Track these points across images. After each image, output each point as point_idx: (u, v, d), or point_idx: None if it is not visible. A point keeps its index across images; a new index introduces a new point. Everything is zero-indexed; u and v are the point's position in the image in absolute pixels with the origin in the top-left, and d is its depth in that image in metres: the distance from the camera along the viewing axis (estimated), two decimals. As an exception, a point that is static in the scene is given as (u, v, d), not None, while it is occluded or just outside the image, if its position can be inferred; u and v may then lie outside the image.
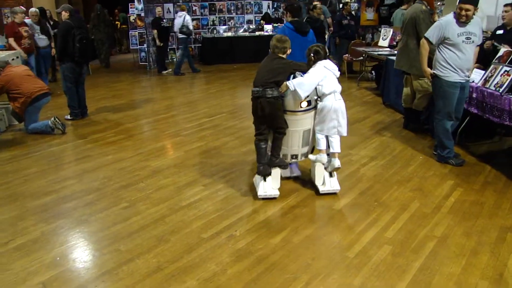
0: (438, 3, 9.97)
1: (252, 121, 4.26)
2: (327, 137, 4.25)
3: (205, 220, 3.83)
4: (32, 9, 9.45)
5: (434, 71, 4.91)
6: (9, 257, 3.37)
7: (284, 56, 4.15)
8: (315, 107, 4.17)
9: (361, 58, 10.08)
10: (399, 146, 5.67)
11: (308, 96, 4.02)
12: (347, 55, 10.56)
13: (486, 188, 4.43)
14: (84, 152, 5.76)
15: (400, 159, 5.24)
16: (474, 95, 5.12)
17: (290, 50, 4.20)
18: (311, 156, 4.37)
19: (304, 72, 4.13)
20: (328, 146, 4.27)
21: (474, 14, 4.65)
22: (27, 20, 9.09)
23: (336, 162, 4.26)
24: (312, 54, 4.16)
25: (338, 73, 4.23)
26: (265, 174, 4.21)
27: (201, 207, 4.09)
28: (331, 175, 4.34)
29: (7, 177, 4.96)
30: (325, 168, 4.35)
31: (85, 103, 7.58)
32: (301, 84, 3.93)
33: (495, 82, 4.88)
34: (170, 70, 12.32)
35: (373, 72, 9.63)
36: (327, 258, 3.26)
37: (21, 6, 11.48)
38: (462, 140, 5.60)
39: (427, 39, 4.90)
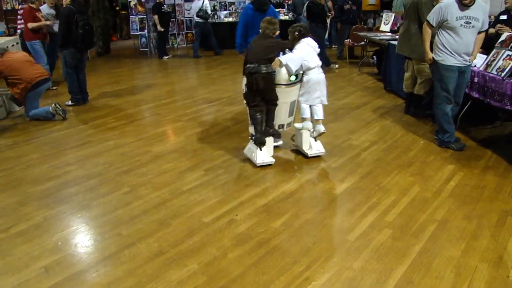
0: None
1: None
2: (310, 106, 4.77)
3: (206, 205, 3.85)
4: None
5: (433, 55, 4.89)
6: (11, 243, 3.39)
7: (274, 36, 4.56)
8: (300, 80, 4.66)
9: (363, 43, 10.03)
10: (400, 131, 5.67)
11: (296, 71, 4.50)
12: (348, 40, 10.50)
13: (487, 172, 4.43)
14: (86, 138, 5.77)
15: (401, 144, 5.24)
16: (475, 80, 5.10)
17: (279, 31, 4.62)
18: (297, 125, 4.88)
19: (290, 49, 4.64)
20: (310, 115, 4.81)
21: None
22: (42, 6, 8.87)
23: (322, 128, 4.79)
24: (296, 33, 4.65)
25: (318, 50, 4.72)
26: (261, 143, 4.58)
27: (202, 191, 4.10)
28: (315, 139, 4.85)
29: (8, 163, 4.98)
30: (311, 134, 4.83)
31: (86, 89, 7.57)
32: (291, 60, 4.44)
33: (497, 66, 4.86)
34: (171, 55, 12.28)
35: (374, 57, 9.59)
36: (327, 242, 3.27)
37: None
38: (463, 125, 5.59)
39: (428, 22, 4.88)
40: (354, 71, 9.65)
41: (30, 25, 7.97)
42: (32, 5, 8.10)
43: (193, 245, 3.26)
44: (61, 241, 3.40)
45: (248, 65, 4.42)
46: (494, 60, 4.98)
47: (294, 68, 4.45)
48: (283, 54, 4.58)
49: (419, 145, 5.19)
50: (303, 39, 4.64)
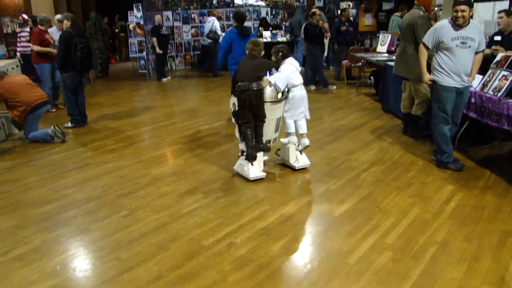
0: (436, 8, 10.02)
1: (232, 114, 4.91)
2: (295, 121, 5.13)
3: (206, 228, 3.83)
4: (58, 16, 9.16)
5: (432, 76, 4.94)
6: (9, 267, 3.36)
7: (259, 56, 4.91)
8: (286, 98, 4.95)
9: (360, 64, 10.11)
10: (399, 151, 5.68)
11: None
12: (345, 61, 10.59)
13: (486, 192, 4.43)
14: (84, 160, 5.77)
15: (399, 164, 5.25)
16: (472, 100, 5.14)
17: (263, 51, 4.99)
18: (283, 140, 5.17)
19: (276, 68, 4.98)
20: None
21: (469, 15, 4.66)
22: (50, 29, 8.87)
23: (307, 141, 5.12)
24: (280, 54, 5.06)
25: (300, 68, 5.14)
26: (253, 158, 4.80)
27: (201, 214, 4.09)
28: (301, 153, 5.15)
29: (7, 186, 4.97)
30: (297, 148, 5.12)
31: (85, 111, 7.60)
32: (279, 79, 4.78)
33: (493, 86, 4.90)
34: (169, 77, 12.35)
35: (372, 78, 9.66)
36: (327, 265, 3.26)
37: (22, 15, 11.55)
38: (461, 145, 5.61)
39: (424, 44, 4.94)
40: (352, 92, 9.72)
41: (36, 48, 8.04)
42: (41, 27, 8.17)
43: (193, 269, 3.24)
44: (59, 265, 3.37)
45: (239, 84, 4.67)
46: (490, 80, 5.03)
47: (282, 87, 4.78)
48: (270, 73, 4.90)
49: (417, 165, 5.20)
50: (286, 59, 5.06)
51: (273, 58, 5.10)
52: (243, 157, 4.91)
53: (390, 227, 3.78)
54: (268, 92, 4.78)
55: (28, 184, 5.03)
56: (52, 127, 6.52)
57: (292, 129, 5.12)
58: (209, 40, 12.31)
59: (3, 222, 4.10)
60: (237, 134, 5.00)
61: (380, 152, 5.69)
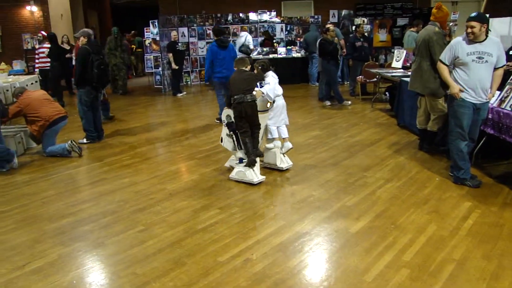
0: (451, 24, 10.00)
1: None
2: (277, 128, 5.67)
3: (221, 244, 3.83)
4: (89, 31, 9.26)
5: (448, 91, 4.91)
6: (26, 280, 3.39)
7: (247, 69, 5.31)
8: (271, 106, 5.50)
9: (375, 79, 10.10)
10: (415, 167, 5.64)
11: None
12: (360, 76, 10.60)
13: (505, 209, 4.37)
14: (100, 175, 5.82)
15: (416, 181, 5.20)
16: (490, 116, 5.10)
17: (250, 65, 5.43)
18: (269, 145, 5.66)
19: (262, 80, 5.47)
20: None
21: (481, 31, 4.64)
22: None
23: (289, 144, 5.76)
24: (260, 67, 5.56)
25: (277, 79, 5.56)
26: (253, 164, 5.16)
27: (217, 230, 4.09)
28: (284, 155, 5.70)
29: (25, 200, 5.03)
30: (280, 151, 5.64)
31: (101, 126, 7.69)
32: (270, 90, 5.30)
33: (511, 102, 4.86)
34: (185, 93, 12.46)
35: (387, 93, 9.64)
36: (344, 282, 3.22)
37: (42, 32, 11.78)
38: (479, 161, 5.55)
39: (441, 61, 4.93)
40: (367, 107, 9.70)
41: None
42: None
43: (209, 285, 3.23)
44: (75, 279, 3.39)
45: (234, 97, 5.05)
46: (507, 96, 4.99)
47: (272, 97, 5.35)
48: (260, 85, 5.42)
49: (434, 182, 5.15)
50: (268, 72, 5.55)
51: (255, 71, 5.56)
52: (241, 165, 5.25)
53: (407, 244, 3.73)
54: (259, 102, 5.22)
55: (45, 198, 5.08)
56: (69, 141, 6.61)
57: (275, 134, 5.65)
58: (241, 55, 12.26)
59: (20, 235, 4.15)
60: (225, 144, 5.43)
61: (396, 168, 5.65)
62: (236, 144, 5.28)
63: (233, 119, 5.15)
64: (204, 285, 3.23)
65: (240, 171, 5.24)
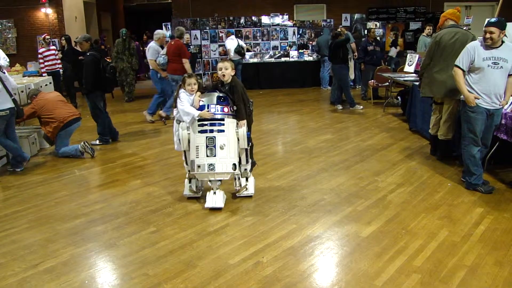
0: (464, 28, 9.94)
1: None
2: None
3: (232, 246, 3.84)
4: (161, 32, 9.72)
5: (461, 97, 4.89)
6: (39, 279, 3.43)
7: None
8: None
9: (387, 84, 10.07)
10: (427, 172, 5.61)
11: None
12: (372, 81, 10.57)
13: (518, 216, 4.34)
14: (113, 176, 5.87)
15: (427, 186, 5.18)
16: (503, 121, 5.06)
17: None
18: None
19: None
20: None
21: (500, 37, 4.61)
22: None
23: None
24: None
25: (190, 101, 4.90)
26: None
27: (228, 233, 4.10)
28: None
29: (38, 200, 5.09)
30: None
31: (114, 127, 7.74)
32: (180, 110, 4.77)
33: (524, 108, 4.83)
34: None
35: (399, 97, 9.60)
36: (354, 286, 3.22)
37: (45, 35, 11.92)
38: (491, 167, 5.51)
39: (457, 66, 4.88)
40: (379, 111, 9.67)
41: (186, 61, 8.79)
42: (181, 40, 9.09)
43: (219, 287, 3.24)
44: (88, 279, 3.43)
45: (248, 105, 4.82)
46: (521, 102, 4.95)
47: (184, 119, 4.82)
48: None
49: (446, 187, 5.12)
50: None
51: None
52: (252, 178, 5.02)
53: (418, 250, 3.72)
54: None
55: (58, 198, 5.14)
56: (82, 143, 6.67)
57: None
58: (236, 57, 12.30)
59: (34, 235, 4.20)
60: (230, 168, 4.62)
61: (407, 173, 5.63)
62: (246, 157, 4.86)
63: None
64: (215, 287, 3.25)
65: (252, 179, 5.02)
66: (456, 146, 5.89)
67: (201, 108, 4.64)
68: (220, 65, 4.72)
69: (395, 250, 3.72)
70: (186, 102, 4.67)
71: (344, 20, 14.89)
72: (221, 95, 4.73)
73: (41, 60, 11.24)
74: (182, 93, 4.72)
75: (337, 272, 3.44)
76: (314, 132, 7.93)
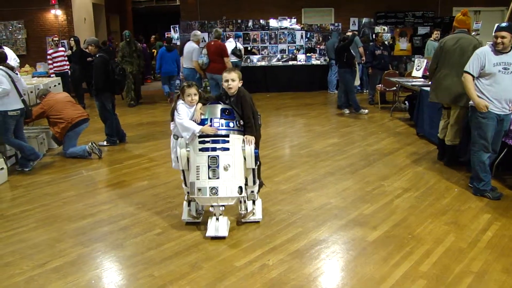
0: (473, 33, 9.91)
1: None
2: None
3: (238, 249, 3.85)
4: (199, 33, 10.54)
5: (470, 102, 4.86)
6: (47, 278, 3.46)
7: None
8: None
9: (395, 88, 10.05)
10: (434, 178, 5.59)
11: None
12: (380, 85, 10.55)
13: (526, 223, 4.31)
14: (120, 177, 5.90)
15: (434, 191, 5.16)
16: (511, 127, 5.03)
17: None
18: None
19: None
20: None
21: (511, 42, 4.59)
22: None
23: None
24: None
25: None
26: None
27: (234, 235, 4.11)
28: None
29: (46, 199, 5.12)
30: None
31: (122, 129, 7.78)
32: (178, 123, 4.25)
33: (533, 115, 4.80)
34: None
35: (406, 102, 9.58)
36: (360, 291, 3.22)
37: (54, 36, 12.02)
38: (499, 173, 5.48)
39: (467, 72, 4.82)
40: (386, 116, 9.65)
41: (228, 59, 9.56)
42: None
43: (225, 289, 3.26)
44: (94, 279, 3.45)
45: (257, 121, 4.33)
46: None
47: (182, 133, 4.31)
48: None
49: (453, 192, 5.10)
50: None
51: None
52: (260, 201, 4.48)
53: (424, 255, 3.71)
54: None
55: (66, 198, 5.17)
56: (90, 143, 6.71)
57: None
58: (235, 59, 11.99)
59: (41, 234, 4.23)
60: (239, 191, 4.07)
61: (414, 178, 5.62)
62: (253, 178, 4.28)
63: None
64: (221, 289, 3.26)
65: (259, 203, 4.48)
66: (463, 152, 5.87)
67: (202, 122, 4.06)
68: (226, 75, 4.15)
69: (401, 255, 3.71)
70: (185, 115, 4.11)
71: (352, 24, 14.88)
72: (225, 107, 4.15)
73: (50, 61, 11.33)
74: (181, 105, 4.16)
75: (342, 276, 3.44)
76: (321, 136, 7.93)
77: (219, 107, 4.15)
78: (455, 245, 3.87)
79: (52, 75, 10.61)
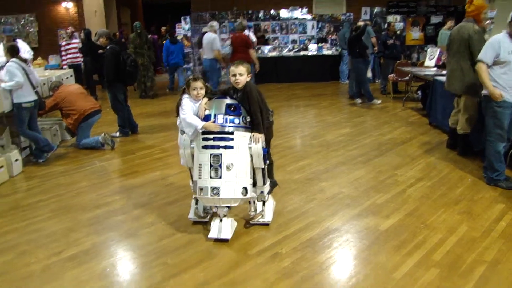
0: (487, 22, 9.77)
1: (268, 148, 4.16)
2: None
3: (251, 237, 3.87)
4: (215, 23, 10.71)
5: (484, 91, 4.81)
6: (62, 267, 3.51)
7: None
8: None
9: (407, 78, 9.97)
10: (447, 167, 5.56)
11: None
12: (392, 75, 10.47)
13: (540, 212, 4.27)
14: (132, 168, 5.94)
15: (447, 181, 5.13)
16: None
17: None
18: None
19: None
20: None
21: None
22: None
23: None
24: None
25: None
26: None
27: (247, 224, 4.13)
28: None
29: (60, 190, 5.18)
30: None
31: (134, 120, 7.83)
32: (182, 119, 4.01)
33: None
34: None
35: (419, 92, 9.50)
36: (373, 279, 3.22)
37: (69, 28, 12.07)
38: (513, 163, 5.44)
39: (481, 61, 4.75)
40: (398, 106, 9.58)
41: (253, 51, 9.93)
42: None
43: (238, 277, 3.28)
44: (109, 267, 3.49)
45: (268, 116, 4.08)
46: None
47: (185, 129, 4.09)
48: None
49: (466, 182, 5.07)
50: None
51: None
52: (270, 196, 4.27)
53: (437, 244, 3.70)
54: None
55: (79, 188, 5.23)
56: (103, 134, 6.76)
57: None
58: None
59: (56, 224, 4.29)
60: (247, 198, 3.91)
61: (427, 167, 5.58)
62: (262, 178, 4.00)
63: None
64: (234, 277, 3.28)
65: (273, 203, 4.34)
66: (476, 141, 5.82)
67: (206, 118, 3.84)
68: (233, 69, 3.88)
69: (413, 244, 3.70)
70: (189, 110, 3.90)
71: (364, 14, 14.77)
72: (231, 102, 3.89)
73: (63, 53, 11.40)
74: (185, 100, 3.95)
75: (355, 265, 3.44)
76: (333, 126, 7.91)
77: (225, 102, 3.89)
78: (468, 235, 3.85)
79: (64, 67, 10.69)
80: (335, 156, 6.10)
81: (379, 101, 9.86)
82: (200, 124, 3.79)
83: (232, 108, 3.84)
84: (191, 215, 4.19)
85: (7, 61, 5.88)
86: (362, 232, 3.95)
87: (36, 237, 4.02)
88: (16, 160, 5.81)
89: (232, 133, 3.76)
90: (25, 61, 6.08)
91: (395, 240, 3.77)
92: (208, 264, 3.46)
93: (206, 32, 10.50)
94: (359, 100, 10.01)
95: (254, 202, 4.03)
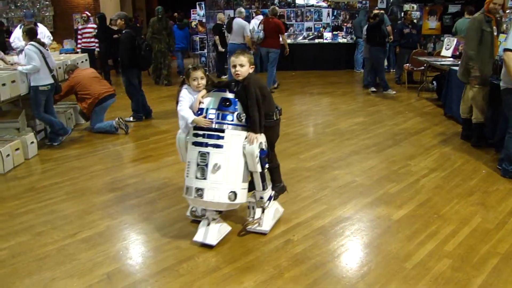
0: (508, 11, 9.58)
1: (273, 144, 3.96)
2: None
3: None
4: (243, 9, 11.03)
5: (505, 84, 4.73)
6: (77, 248, 3.56)
7: None
8: None
9: (422, 68, 9.87)
10: (461, 158, 5.52)
11: None
12: (407, 64, 10.37)
13: (555, 206, 4.23)
14: (146, 152, 5.98)
15: (461, 172, 5.10)
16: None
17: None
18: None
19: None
20: None
21: None
22: None
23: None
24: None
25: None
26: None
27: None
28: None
29: (75, 173, 5.24)
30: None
31: (148, 105, 7.86)
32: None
33: None
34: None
35: (434, 82, 9.41)
36: (384, 268, 3.23)
37: (86, 12, 12.09)
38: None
39: (510, 49, 4.62)
40: (413, 96, 9.51)
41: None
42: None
43: (250, 263, 3.30)
44: (122, 250, 3.53)
45: (272, 114, 3.72)
46: None
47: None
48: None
49: (480, 174, 5.03)
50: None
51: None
52: (275, 203, 3.92)
53: (449, 235, 3.69)
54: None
55: (94, 172, 5.28)
56: (117, 119, 6.81)
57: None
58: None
59: (71, 206, 4.34)
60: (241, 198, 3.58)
61: (441, 158, 5.55)
62: (261, 182, 3.67)
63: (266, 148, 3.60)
64: (246, 262, 3.31)
65: (276, 209, 3.93)
66: (492, 133, 5.77)
67: (200, 112, 3.55)
68: (234, 60, 3.51)
69: (426, 234, 3.69)
70: (186, 103, 3.65)
71: (380, 2, 14.57)
72: (227, 96, 3.51)
73: (79, 37, 11.43)
74: (184, 91, 3.72)
75: (367, 253, 3.45)
76: (347, 115, 7.87)
77: (222, 95, 3.54)
78: (482, 226, 3.83)
79: (78, 51, 10.73)
80: (348, 145, 6.09)
81: (394, 92, 9.79)
82: (190, 118, 3.52)
83: (227, 103, 3.48)
84: (188, 213, 4.00)
85: (26, 45, 5.92)
86: (375, 221, 3.95)
87: (51, 219, 4.07)
88: (32, 142, 5.88)
89: (222, 131, 3.42)
90: (43, 44, 6.11)
91: (408, 230, 3.77)
92: (221, 249, 3.48)
93: (234, 18, 10.57)
94: (373, 89, 9.94)
95: (253, 208, 3.78)
